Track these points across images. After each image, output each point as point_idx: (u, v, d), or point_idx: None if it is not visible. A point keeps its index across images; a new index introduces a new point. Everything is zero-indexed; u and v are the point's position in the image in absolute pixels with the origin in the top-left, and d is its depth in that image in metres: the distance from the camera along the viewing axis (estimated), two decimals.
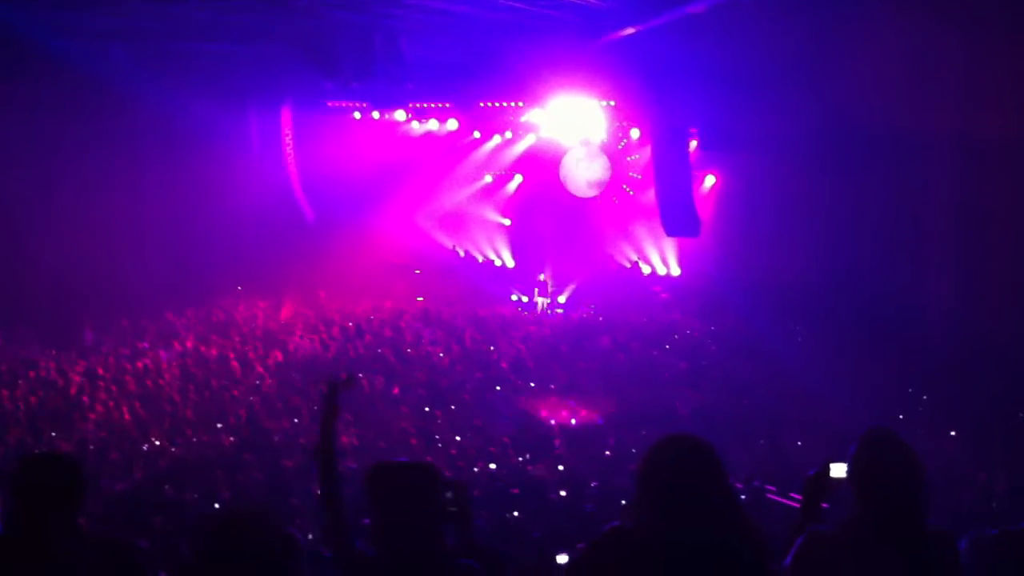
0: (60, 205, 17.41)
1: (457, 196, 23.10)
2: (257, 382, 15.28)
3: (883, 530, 3.24)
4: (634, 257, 22.02)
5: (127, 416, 13.29)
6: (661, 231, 15.13)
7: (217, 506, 9.36)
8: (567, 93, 15.74)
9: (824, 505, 3.64)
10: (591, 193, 19.75)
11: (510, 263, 22.94)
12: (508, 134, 21.54)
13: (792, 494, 8.53)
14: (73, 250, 17.40)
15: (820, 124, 14.46)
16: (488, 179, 22.85)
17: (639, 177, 20.63)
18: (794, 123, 14.40)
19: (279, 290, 20.61)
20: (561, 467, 11.48)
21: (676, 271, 21.53)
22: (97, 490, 9.58)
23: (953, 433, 12.61)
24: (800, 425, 13.16)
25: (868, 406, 12.81)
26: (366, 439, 12.50)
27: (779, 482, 9.33)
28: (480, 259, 23.29)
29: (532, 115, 19.32)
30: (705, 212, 16.45)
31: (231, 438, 12.73)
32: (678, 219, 14.04)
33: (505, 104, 18.58)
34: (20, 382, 14.62)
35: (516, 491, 9.84)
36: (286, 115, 20.72)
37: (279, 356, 16.60)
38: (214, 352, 16.76)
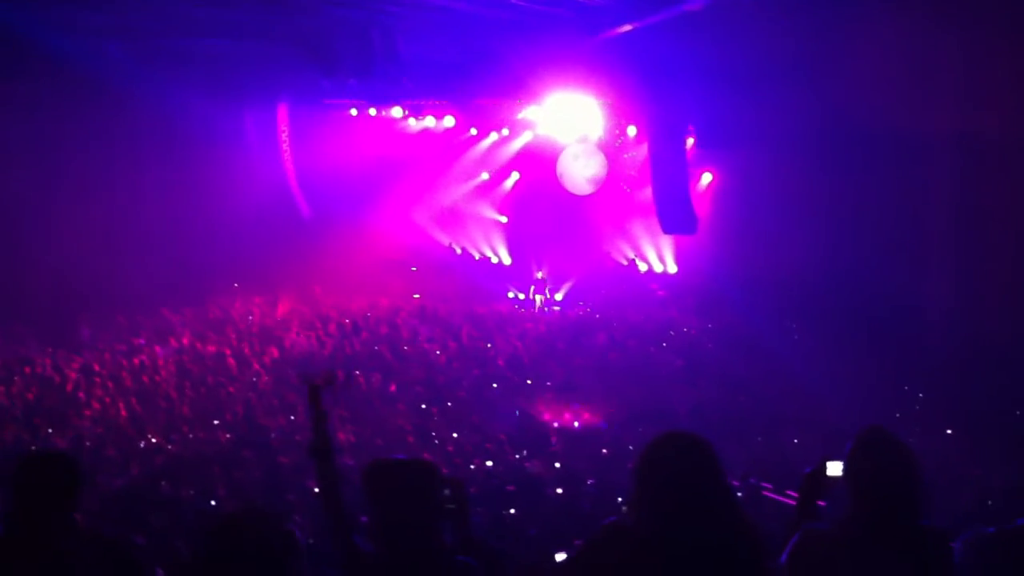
0: (58, 203, 17.38)
1: (454, 193, 23.07)
2: (253, 379, 15.28)
3: (879, 528, 3.25)
4: (631, 254, 22.03)
5: (123, 413, 13.29)
6: (658, 228, 15.13)
7: (213, 503, 9.35)
8: (564, 90, 15.73)
9: (821, 503, 3.65)
10: (588, 190, 19.75)
11: (507, 260, 22.95)
12: (505, 131, 21.51)
13: (788, 492, 8.52)
14: (70, 248, 17.38)
15: (819, 122, 14.45)
16: (485, 176, 22.82)
17: (635, 175, 20.64)
18: (792, 121, 14.38)
19: (275, 287, 20.59)
20: (558, 464, 11.49)
21: (673, 268, 21.54)
22: (93, 487, 9.57)
23: (949, 432, 12.63)
24: (797, 423, 13.18)
25: (865, 404, 12.82)
26: (363, 436, 12.50)
27: (775, 479, 9.31)
28: (477, 256, 23.28)
29: (529, 112, 19.29)
30: (702, 210, 16.45)
31: (227, 435, 12.72)
32: (675, 216, 14.03)
33: (502, 101, 18.56)
34: (16, 378, 14.61)
35: (512, 488, 9.84)
36: (282, 112, 20.67)
37: (275, 353, 16.60)
38: (210, 349, 16.76)
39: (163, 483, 10.07)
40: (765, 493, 9.12)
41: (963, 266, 14.99)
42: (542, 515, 8.95)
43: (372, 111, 19.92)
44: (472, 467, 11.22)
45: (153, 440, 12.32)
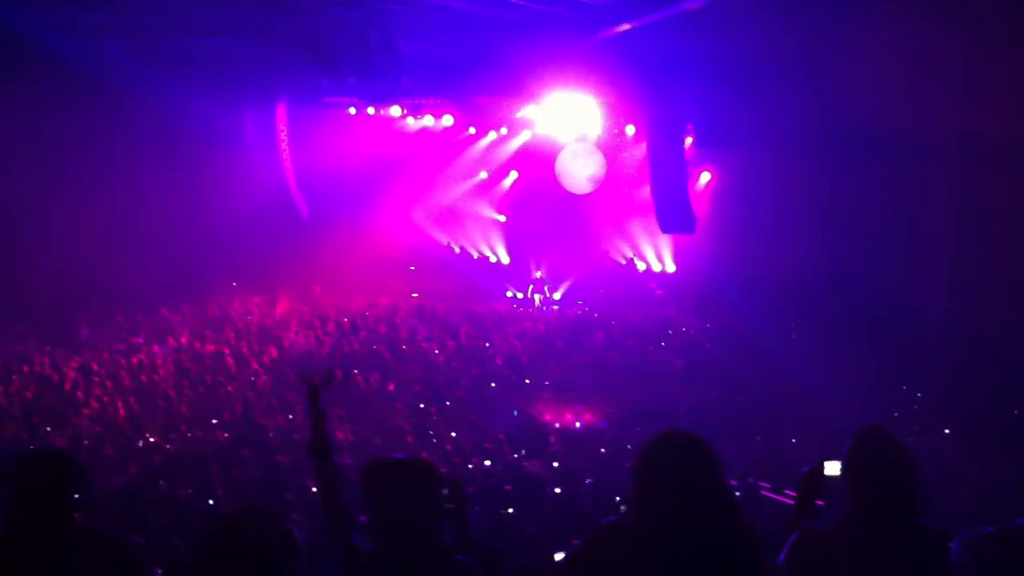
0: (58, 203, 17.38)
1: (452, 192, 23.05)
2: (252, 378, 15.28)
3: (877, 528, 3.25)
4: (629, 253, 22.03)
5: (122, 412, 13.28)
6: (657, 228, 15.13)
7: (212, 502, 9.35)
8: (563, 89, 15.71)
9: (819, 502, 3.65)
10: (587, 189, 19.74)
11: (505, 259, 22.94)
12: (504, 130, 21.48)
13: (787, 491, 8.53)
14: (70, 247, 17.36)
15: (818, 122, 14.44)
16: (483, 175, 22.81)
17: (634, 174, 20.63)
18: (792, 121, 14.37)
19: (274, 286, 20.59)
20: (556, 464, 11.49)
21: (671, 268, 21.54)
22: (92, 485, 9.55)
23: (948, 431, 12.63)
24: (795, 422, 13.18)
25: (863, 404, 12.83)
26: (361, 435, 12.50)
27: (774, 479, 9.32)
28: (475, 255, 23.27)
29: (528, 111, 19.27)
30: (700, 209, 16.46)
31: (226, 434, 12.72)
32: (673, 216, 14.03)
33: (501, 100, 18.55)
34: (15, 377, 14.61)
35: (511, 487, 9.84)
36: (281, 111, 20.65)
37: (274, 352, 16.59)
38: (209, 348, 16.75)
39: (161, 482, 10.07)
40: (763, 492, 9.13)
41: (962, 266, 14.98)
42: (540, 514, 8.95)
43: (371, 110, 19.89)
44: (470, 466, 11.22)
45: (151, 439, 12.32)
